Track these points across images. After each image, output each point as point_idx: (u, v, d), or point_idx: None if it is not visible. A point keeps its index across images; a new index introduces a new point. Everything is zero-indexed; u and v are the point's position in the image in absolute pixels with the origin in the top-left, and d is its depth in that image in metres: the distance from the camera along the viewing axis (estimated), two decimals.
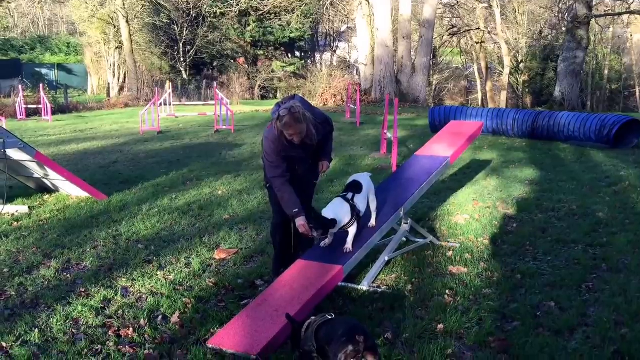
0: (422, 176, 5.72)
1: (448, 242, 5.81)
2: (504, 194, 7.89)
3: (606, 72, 37.11)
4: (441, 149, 6.17)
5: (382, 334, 3.83)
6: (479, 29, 35.90)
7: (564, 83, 23.07)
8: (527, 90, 36.81)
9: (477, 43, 37.53)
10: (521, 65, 36.72)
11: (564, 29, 29.45)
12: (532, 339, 3.74)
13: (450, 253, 5.45)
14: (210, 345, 3.72)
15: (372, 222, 4.95)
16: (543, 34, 37.96)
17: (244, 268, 5.22)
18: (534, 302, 4.31)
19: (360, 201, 4.76)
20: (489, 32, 36.61)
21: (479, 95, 39.23)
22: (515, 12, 36.26)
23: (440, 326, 3.94)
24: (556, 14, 36.55)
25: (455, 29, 38.27)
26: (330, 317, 3.43)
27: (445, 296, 4.46)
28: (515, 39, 36.21)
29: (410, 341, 3.75)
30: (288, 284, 4.30)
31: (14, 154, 7.53)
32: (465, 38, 39.94)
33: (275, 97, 36.77)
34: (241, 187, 8.66)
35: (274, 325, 3.78)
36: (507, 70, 34.15)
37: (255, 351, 3.57)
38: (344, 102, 24.74)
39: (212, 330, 3.97)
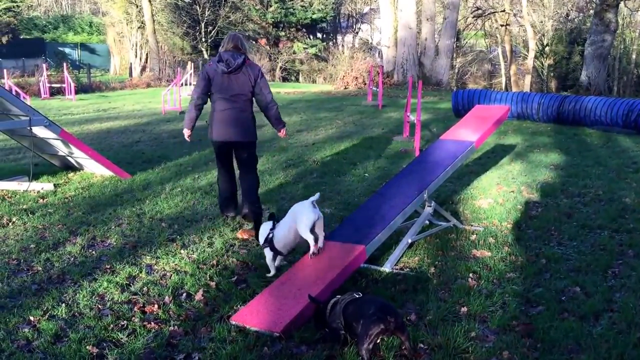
0: (446, 160, 5.69)
1: (471, 225, 5.77)
2: (529, 178, 7.80)
3: (634, 56, 36.32)
4: (466, 134, 6.12)
5: (405, 315, 3.82)
6: (504, 11, 35.30)
7: (590, 67, 22.64)
8: (552, 74, 36.21)
9: (501, 26, 36.92)
10: (546, 48, 36.10)
11: (591, 11, 28.86)
12: (557, 323, 3.71)
13: (473, 237, 5.41)
14: (233, 322, 3.76)
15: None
16: (570, 17, 37.22)
17: None
18: (558, 287, 4.28)
19: (278, 230, 4.59)
20: (514, 15, 35.99)
21: (503, 79, 38.69)
22: None
23: (464, 309, 3.93)
24: None
25: (479, 11, 37.66)
26: (357, 296, 3.44)
27: (469, 279, 4.44)
28: (541, 22, 35.59)
29: (433, 323, 3.75)
30: (311, 263, 4.31)
31: (40, 131, 7.62)
32: (490, 20, 39.31)
33: (297, 80, 36.68)
34: (263, 168, 8.67)
35: (297, 304, 3.80)
36: (532, 54, 33.59)
37: (279, 329, 3.59)
38: (365, 84, 24.57)
39: (235, 308, 4.00)
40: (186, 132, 6.01)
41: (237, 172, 6.16)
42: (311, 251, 4.39)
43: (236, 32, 6.20)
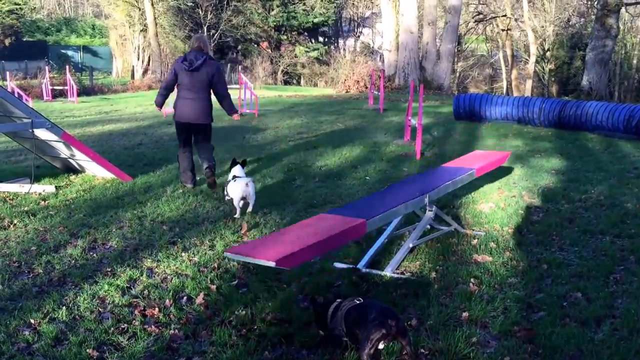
0: (448, 176, 5.91)
1: (473, 230, 5.77)
2: (530, 183, 7.80)
3: (635, 61, 36.35)
4: (467, 163, 6.51)
5: (406, 320, 3.81)
6: (505, 16, 35.39)
7: (591, 72, 22.66)
8: (553, 79, 36.27)
9: (503, 30, 37.02)
10: (548, 53, 36.16)
11: (592, 17, 28.90)
12: (558, 329, 3.70)
13: (475, 241, 5.41)
14: (227, 254, 3.73)
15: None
16: (571, 22, 37.30)
17: None
18: (560, 293, 4.26)
19: (230, 184, 6.46)
20: (515, 20, 36.07)
21: (504, 84, 38.77)
22: None
23: (465, 314, 3.92)
24: (585, 2, 35.88)
25: (481, 16, 37.75)
26: (358, 302, 3.43)
27: (470, 284, 4.43)
28: (542, 27, 35.64)
29: (434, 328, 3.74)
30: (310, 225, 4.31)
31: (42, 133, 7.62)
32: (491, 25, 39.40)
33: (298, 83, 36.72)
34: (264, 171, 8.67)
35: (295, 245, 3.77)
36: (533, 59, 33.66)
37: (274, 258, 3.52)
38: (367, 88, 24.60)
39: (236, 313, 3.99)
40: (157, 109, 7.77)
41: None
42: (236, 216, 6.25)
43: (201, 35, 7.74)
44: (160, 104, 7.61)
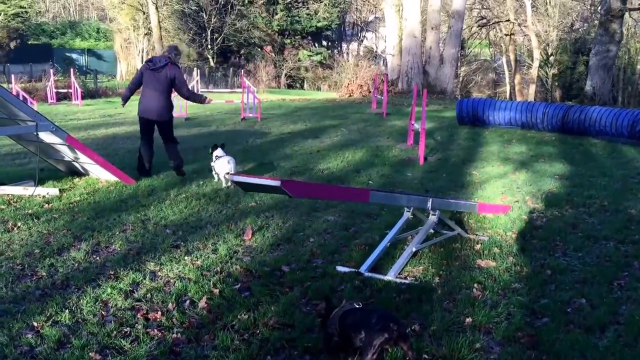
0: (453, 199, 6.27)
1: (476, 235, 5.76)
2: (534, 188, 7.78)
3: (638, 67, 36.25)
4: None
5: (410, 325, 3.80)
6: (508, 20, 35.38)
7: (595, 77, 22.64)
8: (556, 83, 36.22)
9: (506, 35, 37.01)
10: (551, 58, 36.11)
11: (596, 22, 28.86)
12: (562, 335, 3.68)
13: (478, 246, 5.39)
14: (232, 177, 4.08)
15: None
16: (574, 27, 37.26)
17: (270, 255, 5.23)
18: (564, 299, 4.25)
19: (217, 161, 7.85)
20: (518, 24, 36.04)
21: (507, 88, 38.74)
22: (547, 4, 35.61)
23: (469, 320, 3.90)
24: (588, 7, 35.86)
25: (484, 21, 37.75)
26: (358, 306, 3.41)
27: (474, 290, 4.42)
28: (546, 32, 35.60)
29: (437, 334, 3.72)
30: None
31: (46, 136, 7.64)
32: (495, 30, 39.41)
33: (302, 87, 36.75)
34: (267, 174, 8.67)
35: (302, 182, 4.17)
36: (536, 63, 33.63)
37: (279, 180, 3.94)
38: (370, 92, 24.61)
39: (239, 317, 3.98)
40: (121, 103, 8.54)
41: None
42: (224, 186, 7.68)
43: (175, 45, 9.10)
44: (126, 97, 8.44)
